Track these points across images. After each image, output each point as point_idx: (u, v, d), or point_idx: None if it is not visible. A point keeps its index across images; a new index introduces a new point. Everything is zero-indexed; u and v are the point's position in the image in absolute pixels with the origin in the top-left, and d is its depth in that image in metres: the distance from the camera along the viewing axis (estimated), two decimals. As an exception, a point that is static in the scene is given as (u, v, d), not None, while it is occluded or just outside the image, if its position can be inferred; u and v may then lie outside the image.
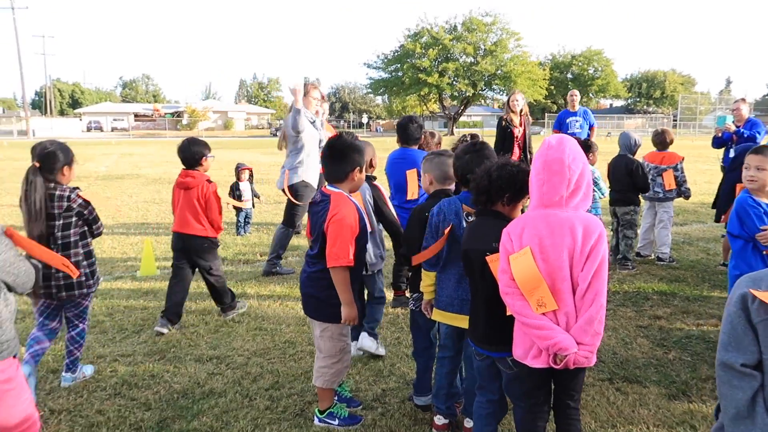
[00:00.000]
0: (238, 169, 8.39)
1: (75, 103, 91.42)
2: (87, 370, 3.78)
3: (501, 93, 60.26)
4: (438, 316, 3.03)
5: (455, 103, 62.69)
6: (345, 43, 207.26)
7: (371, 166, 4.00)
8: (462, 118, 66.99)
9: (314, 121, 6.17)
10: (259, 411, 3.32)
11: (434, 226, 2.92)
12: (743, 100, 7.35)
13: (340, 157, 3.09)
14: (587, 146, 6.08)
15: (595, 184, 5.94)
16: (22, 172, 3.46)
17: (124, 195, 12.34)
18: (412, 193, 4.67)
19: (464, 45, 54.22)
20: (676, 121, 59.22)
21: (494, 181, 2.50)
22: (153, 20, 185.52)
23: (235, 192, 8.25)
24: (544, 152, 2.34)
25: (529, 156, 7.72)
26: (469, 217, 2.85)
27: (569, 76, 70.18)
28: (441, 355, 3.18)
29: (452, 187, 3.26)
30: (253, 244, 7.63)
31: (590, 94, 70.56)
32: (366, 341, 3.95)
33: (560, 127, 9.54)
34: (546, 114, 65.92)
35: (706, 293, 5.44)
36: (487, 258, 2.45)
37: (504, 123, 7.84)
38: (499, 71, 55.10)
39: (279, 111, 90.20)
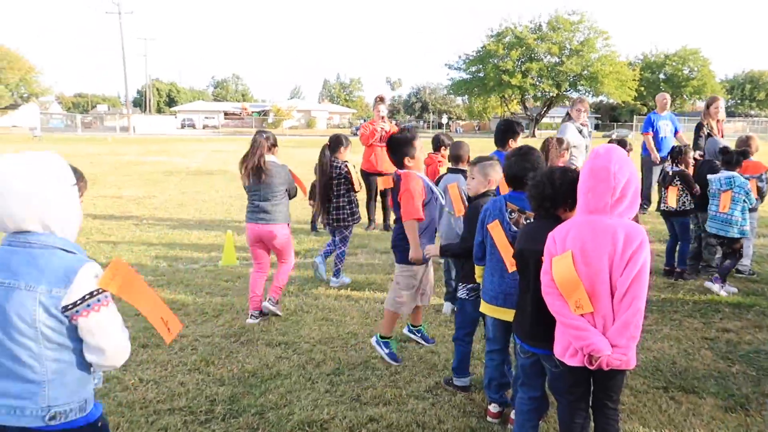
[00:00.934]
0: None
1: (171, 102, 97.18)
2: (346, 279, 5.89)
3: (587, 94, 58.35)
4: (486, 308, 3.23)
5: (538, 104, 61.41)
6: (427, 43, 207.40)
7: (464, 161, 5.01)
8: (545, 120, 65.43)
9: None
10: (319, 393, 3.59)
11: (481, 222, 3.23)
12: None
13: (394, 150, 4.10)
14: (682, 152, 6.09)
15: (746, 194, 5.73)
16: (124, 165, 3.89)
17: (212, 190, 13.16)
18: (458, 210, 4.83)
19: (549, 45, 53.05)
20: (780, 125, 55.05)
21: (558, 188, 2.62)
22: (244, 22, 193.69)
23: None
24: (592, 160, 2.45)
25: None
26: (513, 214, 3.08)
27: (662, 76, 66.92)
28: (490, 348, 3.36)
29: (493, 187, 3.60)
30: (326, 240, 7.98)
31: (684, 96, 66.99)
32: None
33: (651, 129, 9.14)
34: (635, 116, 63.15)
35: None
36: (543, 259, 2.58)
37: (703, 130, 7.56)
38: (586, 71, 53.51)
39: (360, 110, 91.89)
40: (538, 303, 2.60)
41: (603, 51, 55.07)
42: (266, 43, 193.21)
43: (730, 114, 71.98)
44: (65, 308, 1.74)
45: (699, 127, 7.62)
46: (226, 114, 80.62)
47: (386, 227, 8.61)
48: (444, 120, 74.76)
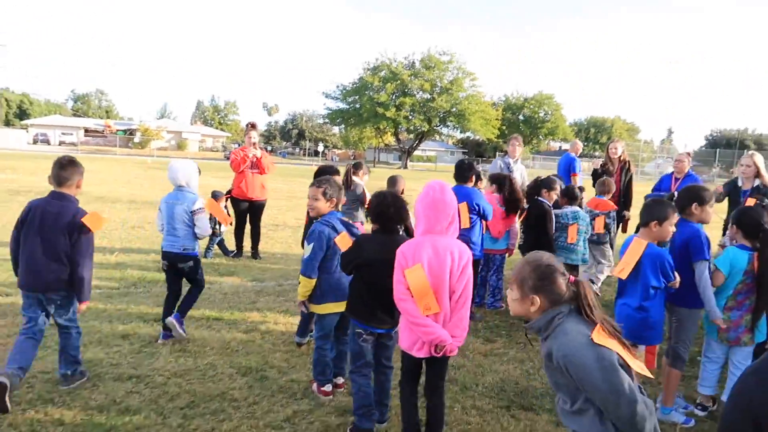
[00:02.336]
0: (217, 198, 8.61)
1: (22, 114, 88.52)
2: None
3: (455, 129, 61.92)
4: (323, 308, 4.00)
5: (410, 137, 63.99)
6: (304, 70, 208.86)
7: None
8: (416, 152, 68.32)
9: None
10: (171, 428, 3.46)
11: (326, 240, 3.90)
12: (688, 154, 7.70)
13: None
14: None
15: (587, 226, 6.58)
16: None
17: (64, 212, 12.13)
18: (464, 222, 5.50)
19: (422, 81, 55.71)
20: (619, 166, 61.90)
21: (393, 212, 3.43)
22: (111, 33, 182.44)
23: (214, 218, 8.41)
24: (432, 194, 3.12)
25: (624, 200, 8.07)
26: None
27: (521, 117, 72.74)
28: (326, 344, 4.05)
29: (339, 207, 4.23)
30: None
31: (540, 136, 73.19)
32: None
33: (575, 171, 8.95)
34: (497, 153, 67.84)
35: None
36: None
37: (599, 170, 8.28)
38: (454, 109, 56.74)
39: (234, 135, 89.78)
40: (383, 296, 3.27)
41: (470, 90, 58.88)
42: (135, 59, 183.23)
43: (579, 155, 79.80)
44: (192, 212, 4.85)
45: (594, 170, 8.51)
46: (87, 131, 74.84)
47: (255, 255, 8.49)
48: (320, 148, 75.17)
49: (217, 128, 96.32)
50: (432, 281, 2.98)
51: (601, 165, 8.48)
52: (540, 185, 6.20)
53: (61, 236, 3.75)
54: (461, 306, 3.04)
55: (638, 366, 2.11)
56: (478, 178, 6.21)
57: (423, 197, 3.12)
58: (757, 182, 6.03)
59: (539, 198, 6.13)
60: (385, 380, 3.63)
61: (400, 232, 3.65)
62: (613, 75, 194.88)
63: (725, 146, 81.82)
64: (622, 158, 8.31)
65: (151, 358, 4.51)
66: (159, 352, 4.62)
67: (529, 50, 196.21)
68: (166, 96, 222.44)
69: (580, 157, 9.15)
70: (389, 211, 3.39)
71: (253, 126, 8.76)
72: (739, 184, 6.13)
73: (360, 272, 3.48)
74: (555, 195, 6.25)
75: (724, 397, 3.99)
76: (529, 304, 2.19)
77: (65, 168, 3.84)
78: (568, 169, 8.71)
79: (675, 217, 3.67)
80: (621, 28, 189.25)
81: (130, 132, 73.16)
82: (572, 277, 2.22)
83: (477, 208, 5.71)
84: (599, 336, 2.06)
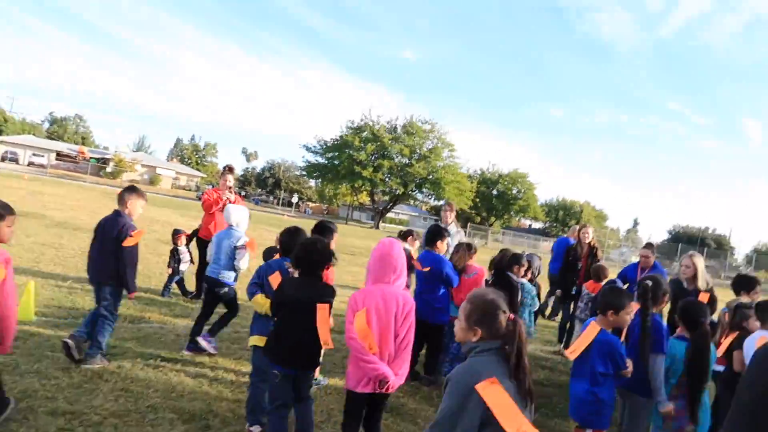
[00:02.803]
0: (176, 235, 8.61)
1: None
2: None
3: (430, 196, 62.89)
4: (252, 339, 4.30)
5: (385, 198, 64.60)
6: (287, 121, 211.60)
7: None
8: (390, 214, 68.85)
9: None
10: (99, 472, 3.26)
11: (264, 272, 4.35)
12: (651, 245, 7.82)
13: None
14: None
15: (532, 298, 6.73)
16: None
17: (22, 234, 11.78)
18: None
19: (401, 146, 56.80)
20: (585, 250, 63.18)
21: (321, 255, 3.73)
22: (96, 61, 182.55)
23: (175, 256, 8.32)
24: (381, 249, 3.58)
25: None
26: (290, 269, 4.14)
27: (494, 192, 74.34)
28: (260, 380, 4.14)
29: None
30: (157, 303, 7.48)
31: (512, 213, 74.68)
32: None
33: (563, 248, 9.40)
34: (469, 224, 68.77)
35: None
36: (318, 305, 3.57)
37: (571, 254, 8.66)
38: (431, 176, 57.74)
39: (210, 176, 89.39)
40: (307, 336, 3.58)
41: (448, 160, 60.18)
42: (118, 89, 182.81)
43: (545, 234, 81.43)
44: (235, 247, 5.82)
45: (567, 251, 8.86)
46: (59, 154, 73.71)
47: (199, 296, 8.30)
48: (294, 199, 75.24)
49: (193, 168, 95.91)
50: (378, 325, 3.38)
51: (571, 249, 8.72)
52: (511, 261, 6.26)
53: (111, 242, 4.92)
54: (404, 348, 3.43)
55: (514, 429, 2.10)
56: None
57: (374, 251, 3.61)
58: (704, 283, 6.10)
59: (509, 273, 6.19)
60: (307, 411, 3.77)
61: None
62: (587, 161, 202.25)
63: (687, 242, 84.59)
64: (591, 243, 8.57)
65: (90, 394, 4.30)
66: (99, 389, 4.41)
67: (509, 127, 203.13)
68: (146, 129, 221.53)
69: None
70: (312, 257, 3.69)
71: (230, 169, 8.78)
72: (684, 285, 6.21)
73: (280, 312, 3.71)
74: (523, 271, 6.34)
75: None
76: (472, 334, 2.41)
77: (124, 193, 5.19)
78: (560, 253, 9.25)
79: (632, 307, 3.75)
80: (597, 119, 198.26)
81: (104, 161, 72.29)
82: (511, 315, 2.41)
83: (443, 274, 5.74)
84: (484, 385, 2.14)
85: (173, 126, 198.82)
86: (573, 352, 3.75)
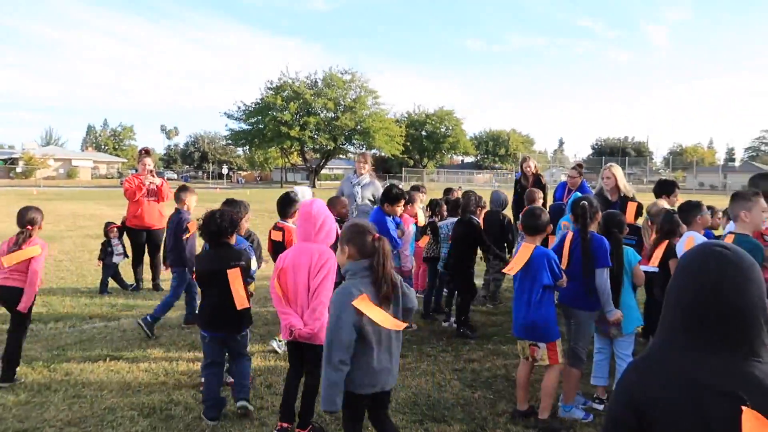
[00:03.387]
0: (108, 227, 8.07)
1: None
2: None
3: (361, 147, 62.56)
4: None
5: (317, 156, 63.87)
6: (204, 91, 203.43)
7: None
8: (324, 171, 68.24)
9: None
10: (65, 483, 3.19)
11: None
12: (579, 165, 8.03)
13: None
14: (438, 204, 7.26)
15: None
16: None
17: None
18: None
19: (325, 100, 55.85)
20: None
21: (220, 225, 4.03)
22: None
23: (107, 249, 7.87)
24: (303, 209, 3.76)
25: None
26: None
27: (424, 133, 74.73)
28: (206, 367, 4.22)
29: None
30: (97, 302, 7.21)
31: (443, 151, 75.53)
32: None
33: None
34: (403, 168, 69.20)
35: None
36: (229, 272, 3.92)
37: (518, 186, 8.70)
38: (359, 126, 57.32)
39: (131, 160, 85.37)
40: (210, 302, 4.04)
41: (373, 108, 59.77)
42: (14, 81, 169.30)
43: (479, 167, 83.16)
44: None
45: (515, 184, 9.01)
46: (-41, 162, 68.41)
47: (156, 287, 8.09)
48: (224, 170, 73.24)
49: (111, 154, 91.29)
50: (294, 278, 3.64)
51: (515, 181, 8.97)
52: (472, 203, 6.33)
53: (174, 233, 6.14)
54: (316, 299, 3.59)
55: (392, 323, 2.86)
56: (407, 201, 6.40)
57: (298, 212, 3.97)
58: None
59: (471, 216, 6.30)
60: (242, 367, 4.14)
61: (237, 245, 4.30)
62: (509, 89, 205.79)
63: (609, 154, 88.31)
64: (535, 172, 8.81)
65: (41, 408, 4.15)
66: (50, 401, 4.26)
67: (429, 67, 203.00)
68: (52, 120, 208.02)
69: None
70: (211, 228, 4.02)
71: (146, 152, 8.41)
72: (608, 197, 6.52)
73: (201, 284, 4.18)
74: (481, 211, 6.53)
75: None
76: (345, 255, 2.97)
77: (179, 193, 6.35)
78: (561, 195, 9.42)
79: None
80: (513, 46, 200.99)
81: (11, 161, 67.71)
82: (376, 235, 2.98)
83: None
84: (358, 302, 2.80)
85: (82, 114, 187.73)
86: (511, 269, 4.02)
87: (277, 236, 5.19)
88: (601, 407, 4.28)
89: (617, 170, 6.58)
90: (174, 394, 4.42)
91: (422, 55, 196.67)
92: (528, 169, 8.88)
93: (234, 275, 3.91)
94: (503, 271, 4.39)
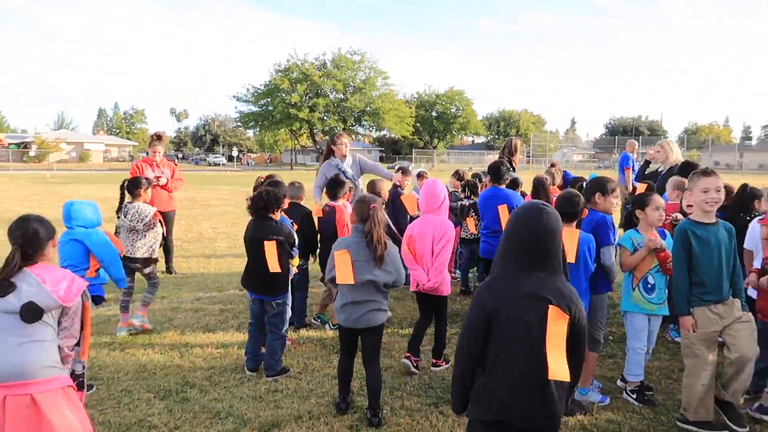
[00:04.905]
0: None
1: None
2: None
3: (371, 128, 62.39)
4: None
5: (326, 137, 63.69)
6: (213, 73, 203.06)
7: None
8: (334, 153, 67.97)
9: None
10: (83, 466, 3.21)
11: None
12: (553, 165, 8.14)
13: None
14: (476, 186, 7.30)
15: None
16: None
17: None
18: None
19: (334, 81, 55.59)
20: (529, 157, 64.64)
21: (267, 201, 4.50)
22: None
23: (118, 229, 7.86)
24: (427, 188, 4.63)
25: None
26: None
27: (434, 114, 74.21)
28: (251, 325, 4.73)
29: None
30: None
31: (453, 132, 75.00)
32: None
33: (630, 164, 9.43)
34: (413, 149, 68.87)
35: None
36: (265, 242, 4.41)
37: (507, 166, 8.21)
38: (368, 108, 57.10)
39: (142, 144, 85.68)
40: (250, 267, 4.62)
41: (383, 89, 59.45)
42: (26, 66, 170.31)
43: (489, 147, 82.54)
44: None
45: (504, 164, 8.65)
46: (-27, 146, 68.94)
47: (169, 270, 8.11)
48: (234, 153, 73.30)
49: (123, 137, 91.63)
50: (420, 244, 4.47)
51: (506, 161, 8.71)
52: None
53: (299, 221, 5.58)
54: (437, 260, 4.43)
55: (342, 277, 3.70)
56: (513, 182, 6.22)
57: (422, 189, 4.73)
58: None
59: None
60: (271, 344, 4.52)
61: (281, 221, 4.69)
62: (521, 69, 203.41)
63: (623, 133, 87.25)
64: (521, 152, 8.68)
65: (58, 390, 4.18)
66: (67, 384, 4.29)
67: (441, 46, 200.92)
68: (63, 105, 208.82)
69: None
70: (259, 204, 4.47)
71: (158, 138, 8.09)
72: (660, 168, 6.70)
73: (246, 248, 4.62)
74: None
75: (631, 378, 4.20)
76: (351, 218, 3.90)
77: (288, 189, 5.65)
78: (623, 165, 9.38)
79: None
80: (526, 26, 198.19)
81: (25, 145, 68.18)
82: (373, 205, 3.73)
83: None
84: (337, 253, 3.75)
85: (93, 98, 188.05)
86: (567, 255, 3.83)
87: (321, 213, 5.61)
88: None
89: (673, 145, 7.03)
90: (189, 377, 4.44)
91: (434, 36, 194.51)
92: (516, 147, 8.21)
93: (270, 246, 4.38)
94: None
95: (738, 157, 65.97)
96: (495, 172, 5.84)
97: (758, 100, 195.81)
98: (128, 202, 5.57)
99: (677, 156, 6.95)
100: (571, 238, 3.76)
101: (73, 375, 3.18)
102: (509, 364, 2.22)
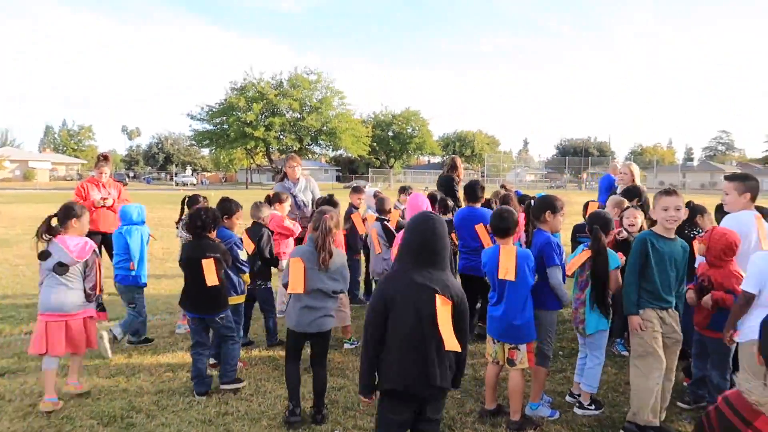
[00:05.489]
0: None
1: None
2: None
3: (327, 148, 62.31)
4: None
5: (283, 156, 63.28)
6: (167, 91, 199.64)
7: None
8: (290, 172, 67.49)
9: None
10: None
11: None
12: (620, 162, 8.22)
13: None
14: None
15: None
16: None
17: None
18: (487, 243, 5.30)
19: (290, 101, 55.35)
20: (484, 177, 65.84)
21: (197, 223, 4.53)
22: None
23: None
24: (412, 200, 5.28)
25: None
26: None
27: (390, 133, 74.76)
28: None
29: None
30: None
31: (409, 151, 75.68)
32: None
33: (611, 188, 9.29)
34: (370, 169, 69.18)
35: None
36: (203, 261, 4.40)
37: (454, 182, 8.32)
38: (325, 127, 57.01)
39: (91, 162, 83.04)
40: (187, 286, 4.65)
41: (339, 109, 59.48)
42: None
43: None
44: None
45: (450, 180, 8.58)
46: None
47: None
48: (188, 172, 71.93)
49: (70, 155, 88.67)
50: None
51: (452, 178, 8.87)
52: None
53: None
54: None
55: (292, 287, 3.91)
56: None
57: (408, 202, 5.52)
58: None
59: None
60: (226, 349, 4.56)
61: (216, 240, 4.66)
62: (476, 90, 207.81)
63: (573, 154, 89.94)
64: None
65: None
66: (3, 412, 4.09)
67: (397, 67, 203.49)
68: (7, 122, 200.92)
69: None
70: (196, 223, 4.50)
71: (105, 158, 7.69)
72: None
73: (184, 270, 4.61)
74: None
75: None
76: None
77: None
78: (608, 188, 9.41)
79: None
80: (483, 47, 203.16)
81: (-35, 163, 65.18)
82: (326, 216, 3.98)
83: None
84: (291, 261, 3.98)
85: (40, 114, 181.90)
86: (505, 273, 3.90)
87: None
88: (572, 400, 4.35)
89: (635, 168, 7.15)
90: (135, 401, 4.30)
91: (390, 57, 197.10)
92: (460, 166, 8.64)
93: (207, 264, 4.38)
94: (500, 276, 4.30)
95: (681, 177, 68.99)
96: (471, 192, 5.96)
97: (699, 122, 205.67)
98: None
99: (637, 178, 7.16)
100: (508, 256, 3.87)
101: (98, 304, 4.77)
102: (401, 341, 2.73)
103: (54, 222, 4.31)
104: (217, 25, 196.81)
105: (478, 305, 6.05)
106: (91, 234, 7.56)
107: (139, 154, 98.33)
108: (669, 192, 3.86)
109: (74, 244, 4.23)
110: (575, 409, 4.25)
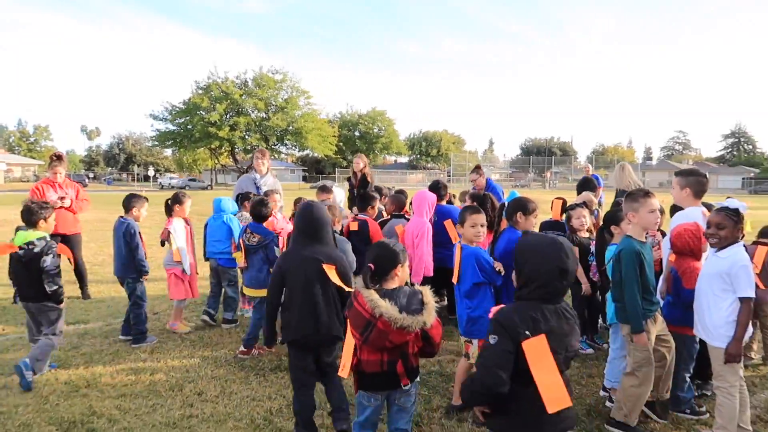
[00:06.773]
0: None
1: None
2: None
3: (293, 148, 61.89)
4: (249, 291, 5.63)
5: (248, 156, 62.60)
6: (128, 90, 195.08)
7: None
8: (256, 172, 66.83)
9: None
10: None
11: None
12: (476, 168, 8.19)
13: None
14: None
15: None
16: None
17: None
18: (455, 237, 5.72)
19: (255, 100, 54.85)
20: (450, 176, 66.33)
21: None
22: None
23: None
24: (418, 196, 5.67)
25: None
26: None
27: (357, 133, 74.79)
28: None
29: None
30: (11, 312, 6.74)
31: (376, 151, 75.85)
32: None
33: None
34: (336, 168, 68.99)
35: (451, 329, 6.16)
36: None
37: (349, 186, 8.82)
38: (291, 127, 56.67)
39: (47, 162, 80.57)
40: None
41: (305, 109, 59.22)
42: None
43: (413, 167, 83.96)
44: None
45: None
46: None
47: (84, 295, 7.64)
48: (151, 173, 70.45)
49: (25, 156, 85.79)
50: (410, 239, 5.60)
51: (348, 179, 9.23)
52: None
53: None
54: (417, 251, 5.61)
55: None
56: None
57: (414, 198, 5.77)
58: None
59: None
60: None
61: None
62: (442, 91, 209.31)
63: (537, 154, 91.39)
64: (363, 171, 8.92)
65: None
66: None
67: (363, 67, 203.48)
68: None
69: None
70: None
71: (58, 158, 7.58)
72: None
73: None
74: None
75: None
76: None
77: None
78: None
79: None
80: (447, 49, 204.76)
81: None
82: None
83: None
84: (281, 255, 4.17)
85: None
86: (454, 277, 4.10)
87: (355, 226, 5.89)
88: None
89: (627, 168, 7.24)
90: (96, 406, 4.19)
91: (356, 57, 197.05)
92: (356, 165, 9.01)
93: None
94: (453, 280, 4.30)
95: (641, 175, 70.71)
96: (434, 191, 6.23)
97: (657, 122, 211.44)
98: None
99: (629, 180, 7.08)
100: (457, 258, 4.04)
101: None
102: (296, 302, 3.53)
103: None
104: (179, 23, 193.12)
105: (446, 300, 6.47)
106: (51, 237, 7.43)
107: (99, 154, 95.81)
108: (649, 194, 3.79)
109: None
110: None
